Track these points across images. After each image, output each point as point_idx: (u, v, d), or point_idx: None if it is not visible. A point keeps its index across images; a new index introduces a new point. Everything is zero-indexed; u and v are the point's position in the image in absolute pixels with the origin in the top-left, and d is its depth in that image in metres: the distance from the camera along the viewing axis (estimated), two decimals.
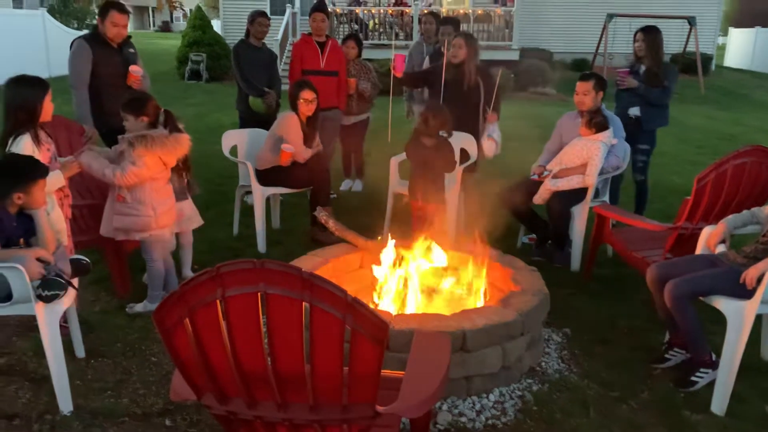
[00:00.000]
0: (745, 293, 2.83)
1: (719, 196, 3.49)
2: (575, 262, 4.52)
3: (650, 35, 5.01)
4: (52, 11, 21.23)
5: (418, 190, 4.43)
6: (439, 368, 2.11)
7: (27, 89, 3.17)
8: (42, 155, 3.14)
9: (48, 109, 3.23)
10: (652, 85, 4.97)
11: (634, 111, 4.99)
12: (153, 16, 54.99)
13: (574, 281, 4.33)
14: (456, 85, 5.05)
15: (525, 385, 3.08)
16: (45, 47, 17.04)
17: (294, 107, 4.87)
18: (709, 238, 3.22)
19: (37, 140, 3.14)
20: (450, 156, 4.40)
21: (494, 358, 2.95)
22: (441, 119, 4.30)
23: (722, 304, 2.90)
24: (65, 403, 2.83)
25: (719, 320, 2.98)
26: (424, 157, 4.35)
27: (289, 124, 4.83)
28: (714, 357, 3.05)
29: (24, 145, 3.07)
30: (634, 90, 4.98)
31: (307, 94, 4.84)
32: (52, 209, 3.21)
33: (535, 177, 4.63)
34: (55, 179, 3.21)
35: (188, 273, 4.23)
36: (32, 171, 2.87)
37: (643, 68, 5.06)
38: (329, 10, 16.67)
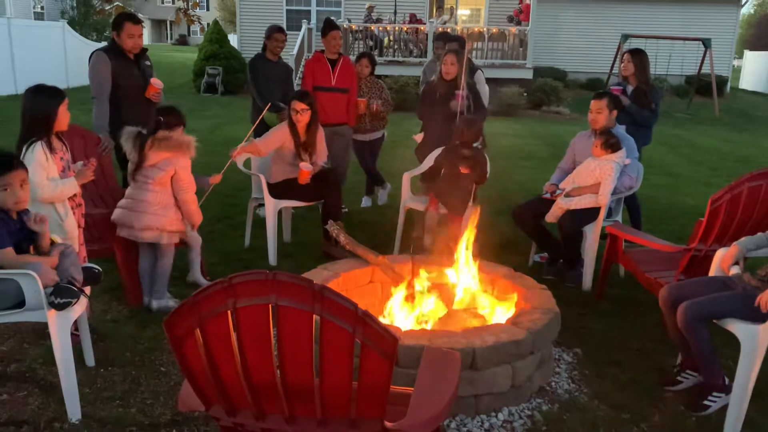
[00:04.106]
0: (760, 317, 2.79)
1: (733, 218, 3.46)
2: (587, 281, 4.50)
3: (638, 57, 5.27)
4: (72, 23, 21.53)
5: (445, 199, 4.61)
6: (449, 385, 2.10)
7: (42, 99, 3.22)
8: (55, 163, 3.20)
9: (63, 118, 3.27)
10: (640, 105, 5.17)
11: (620, 129, 5.03)
12: (170, 30, 55.65)
13: (586, 301, 4.30)
14: (448, 99, 5.20)
15: (534, 405, 3.05)
16: (64, 58, 17.31)
17: (290, 118, 4.95)
18: (723, 260, 3.19)
19: (50, 148, 3.19)
20: (485, 167, 4.56)
21: (504, 376, 2.93)
22: (476, 131, 4.49)
23: (736, 327, 2.86)
24: (74, 411, 2.84)
25: (733, 344, 2.94)
26: (455, 164, 4.46)
27: (272, 131, 4.99)
28: (727, 381, 3.01)
29: (37, 153, 3.12)
30: (623, 108, 5.04)
31: (295, 104, 4.87)
32: (66, 216, 3.25)
33: (547, 195, 4.62)
34: (69, 186, 3.25)
35: (196, 277, 4.28)
36: None
37: (630, 88, 5.28)
38: (345, 26, 16.86)
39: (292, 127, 4.90)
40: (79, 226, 3.43)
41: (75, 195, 3.38)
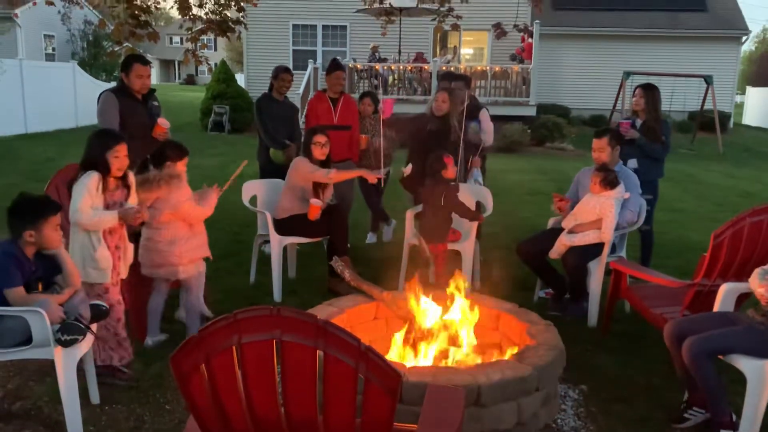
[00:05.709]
0: (766, 352, 2.78)
1: (736, 253, 3.47)
2: (592, 317, 4.48)
3: (649, 92, 5.29)
4: (82, 64, 21.94)
5: (422, 230, 4.79)
6: (452, 423, 2.09)
7: (97, 142, 3.34)
8: (103, 199, 3.31)
9: (116, 163, 3.32)
10: (650, 140, 5.17)
11: (632, 163, 5.08)
12: (178, 69, 56.59)
13: (591, 337, 4.28)
14: (441, 135, 5.38)
15: None
16: (74, 98, 17.61)
17: (308, 152, 4.98)
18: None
19: (104, 185, 3.29)
20: (451, 192, 4.67)
21: (509, 413, 2.92)
22: (441, 165, 4.68)
23: (742, 362, 2.86)
24: None
25: (740, 380, 2.92)
26: (425, 196, 4.72)
27: (298, 166, 4.97)
28: (734, 417, 2.98)
29: (91, 179, 3.22)
30: (633, 142, 5.09)
31: (319, 138, 4.96)
32: (98, 246, 3.28)
33: (557, 208, 4.72)
34: (108, 218, 3.30)
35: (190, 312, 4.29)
36: (41, 208, 2.91)
37: (639, 122, 5.29)
38: (350, 65, 17.10)
39: (312, 162, 4.97)
40: (113, 269, 3.41)
41: (111, 233, 3.40)
